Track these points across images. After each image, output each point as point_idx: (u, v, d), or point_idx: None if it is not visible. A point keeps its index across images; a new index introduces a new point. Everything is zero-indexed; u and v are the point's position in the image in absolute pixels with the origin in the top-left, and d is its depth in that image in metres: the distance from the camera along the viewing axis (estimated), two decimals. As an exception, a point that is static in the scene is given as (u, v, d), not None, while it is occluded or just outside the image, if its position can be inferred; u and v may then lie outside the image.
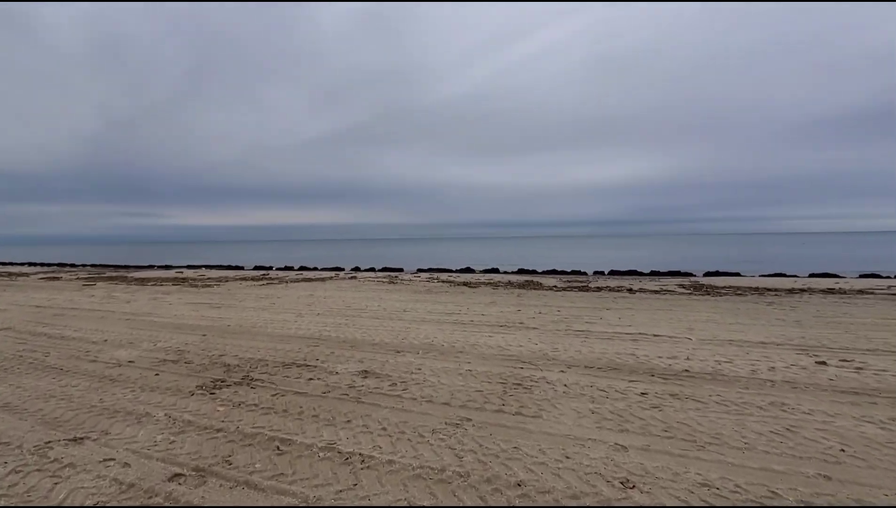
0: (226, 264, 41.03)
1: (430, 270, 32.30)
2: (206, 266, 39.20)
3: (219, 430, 4.35)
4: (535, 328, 9.22)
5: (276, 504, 3.12)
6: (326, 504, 3.11)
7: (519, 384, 5.59)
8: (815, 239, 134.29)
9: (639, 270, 27.69)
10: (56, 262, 46.43)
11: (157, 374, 6.32)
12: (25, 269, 35.41)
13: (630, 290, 16.11)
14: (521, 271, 29.80)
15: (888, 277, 21.09)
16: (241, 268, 36.43)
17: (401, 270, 32.64)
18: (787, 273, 24.29)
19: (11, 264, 45.22)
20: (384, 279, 21.67)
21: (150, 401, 5.23)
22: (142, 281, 22.26)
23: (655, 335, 8.36)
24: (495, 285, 18.64)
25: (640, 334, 8.53)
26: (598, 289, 16.56)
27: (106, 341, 8.61)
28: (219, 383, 5.83)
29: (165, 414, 4.79)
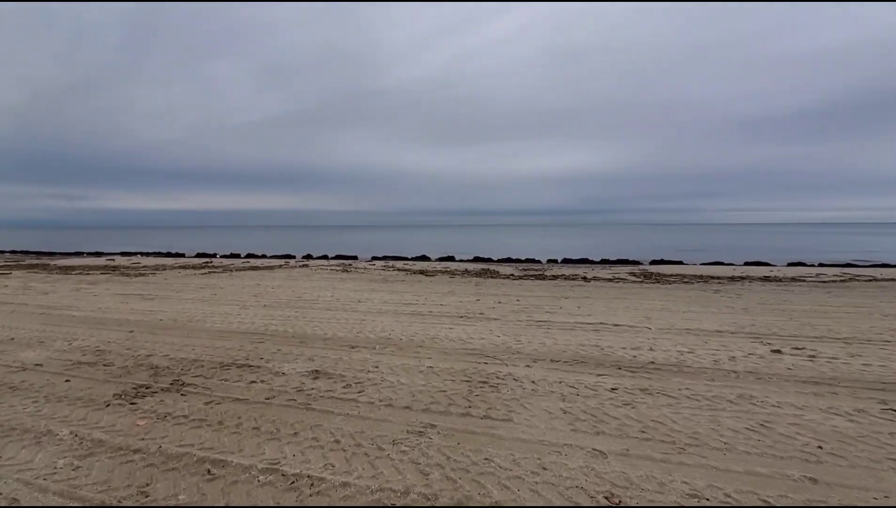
0: (165, 250, 38.24)
1: (384, 257, 31.53)
2: (143, 253, 36.35)
3: (136, 451, 3.64)
4: (496, 319, 8.89)
5: (273, 505, 2.53)
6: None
7: (485, 383, 5.20)
8: (747, 229, 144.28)
9: (590, 258, 28.31)
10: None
11: (67, 380, 5.41)
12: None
13: (584, 278, 16.23)
14: (476, 260, 29.68)
15: (811, 265, 22.67)
16: (182, 256, 34.03)
17: (355, 257, 31.66)
18: (725, 261, 25.60)
19: None
20: (337, 268, 20.76)
21: (54, 415, 4.40)
22: (66, 270, 20.10)
23: (616, 325, 8.25)
24: (452, 273, 18.28)
25: (600, 323, 8.39)
26: (554, 277, 16.58)
27: (12, 339, 7.45)
28: (142, 390, 5.03)
29: (71, 432, 4.01)
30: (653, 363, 5.94)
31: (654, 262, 25.94)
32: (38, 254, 36.87)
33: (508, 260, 28.47)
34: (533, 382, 5.21)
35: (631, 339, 7.22)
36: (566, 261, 27.81)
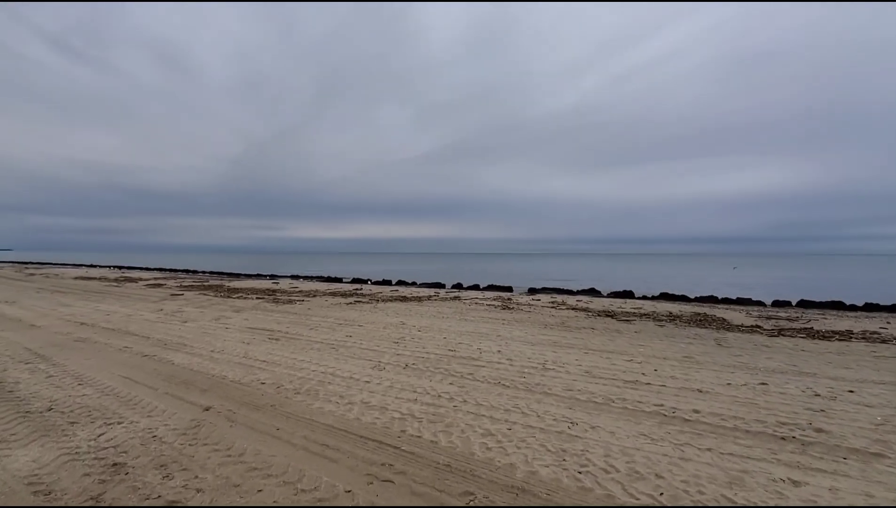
0: (327, 275, 39.82)
1: (544, 290, 27.07)
2: (307, 277, 38.22)
3: None
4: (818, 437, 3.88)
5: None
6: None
7: None
8: None
9: (844, 301, 19.69)
10: (183, 268, 49.48)
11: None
12: (144, 275, 37.13)
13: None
14: (665, 296, 23.28)
15: None
16: (340, 280, 34.53)
17: (510, 289, 27.87)
18: None
19: (147, 269, 49.07)
20: (495, 302, 17.08)
21: None
22: (231, 292, 20.36)
23: None
24: (650, 317, 13.02)
25: None
26: (830, 336, 10.18)
27: (50, 409, 5.13)
28: None
29: None
30: None
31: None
32: (229, 275, 41.65)
33: (726, 300, 21.55)
34: None
35: None
36: (804, 304, 19.77)
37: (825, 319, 13.39)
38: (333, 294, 19.73)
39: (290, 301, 16.63)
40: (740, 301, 21.78)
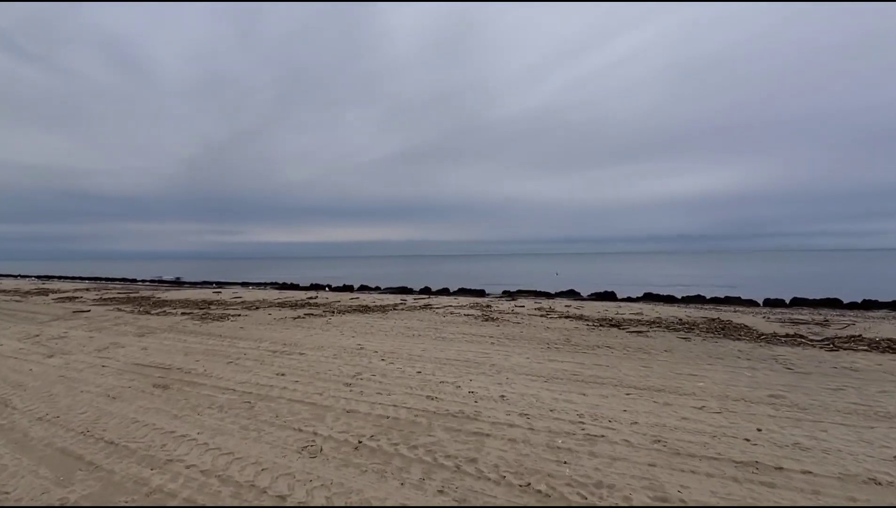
0: (282, 281, 35.84)
1: (520, 293, 24.56)
2: (259, 284, 34.18)
3: None
4: None
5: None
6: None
7: None
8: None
9: (840, 298, 18.20)
10: (121, 277, 43.98)
11: None
12: (66, 285, 32.04)
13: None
14: (650, 297, 21.25)
15: None
16: (296, 287, 30.80)
17: (483, 293, 25.19)
18: None
19: (78, 278, 43.26)
20: (473, 311, 14.25)
21: None
22: (157, 305, 16.58)
23: None
24: (661, 326, 10.59)
25: None
26: (856, 344, 8.00)
27: None
28: None
29: None
30: None
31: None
32: (170, 284, 36.90)
33: (715, 300, 19.74)
34: None
35: None
36: (797, 302, 18.15)
37: (853, 322, 11.38)
38: (282, 305, 16.33)
39: (223, 317, 13.19)
40: (729, 300, 20.03)
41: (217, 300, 18.53)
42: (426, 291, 26.69)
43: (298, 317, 12.95)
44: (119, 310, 15.36)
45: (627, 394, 5.47)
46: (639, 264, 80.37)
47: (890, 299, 17.28)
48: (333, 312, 14.08)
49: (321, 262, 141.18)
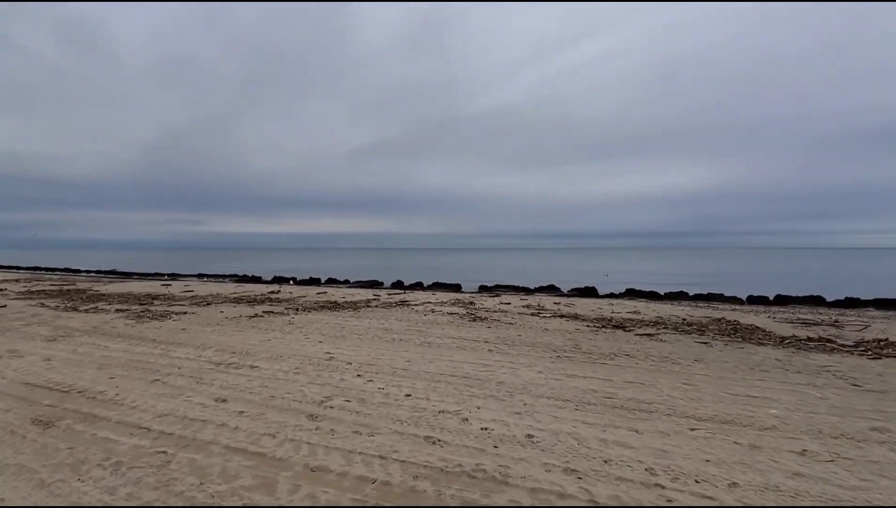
0: (243, 273, 33.13)
1: (498, 288, 23.25)
2: (218, 276, 31.45)
3: None
4: None
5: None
6: None
7: None
8: (871, 255, 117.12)
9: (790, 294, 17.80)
10: (65, 267, 39.84)
11: None
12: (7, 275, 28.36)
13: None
14: (633, 293, 20.33)
15: None
16: (258, 279, 28.36)
17: (459, 287, 23.72)
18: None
19: (15, 268, 38.88)
20: (456, 309, 12.70)
21: None
22: (93, 299, 14.17)
23: None
24: (668, 327, 9.42)
25: None
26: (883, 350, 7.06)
27: None
28: None
29: None
30: None
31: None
32: (120, 275, 33.50)
33: (698, 297, 19.05)
34: None
35: None
36: (781, 300, 17.62)
37: (867, 325, 10.58)
38: (238, 301, 14.25)
39: (165, 315, 11.10)
40: (713, 296, 19.38)
41: (163, 295, 16.19)
42: (399, 285, 24.98)
43: (256, 316, 11.02)
44: (42, 305, 12.91)
45: (692, 430, 4.07)
46: (610, 259, 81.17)
47: (871, 297, 16.98)
48: (297, 309, 12.20)
49: (288, 253, 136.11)
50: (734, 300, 18.35)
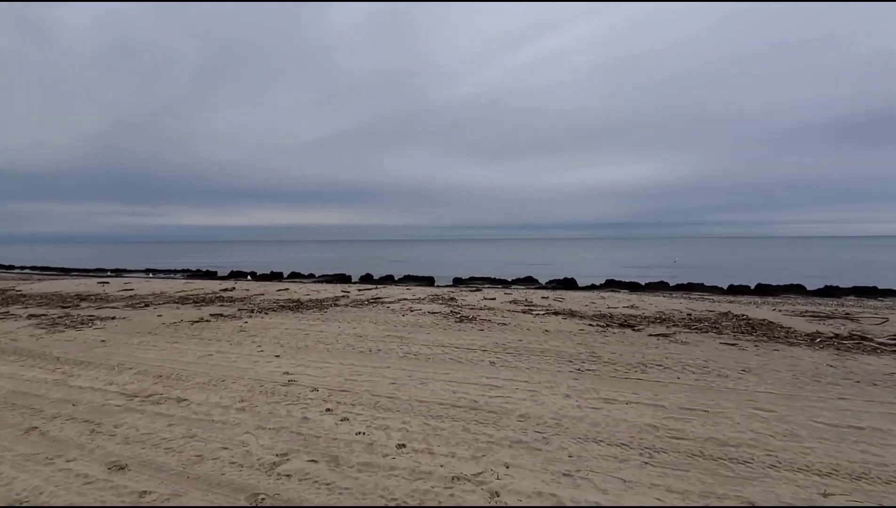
0: (196, 268, 30.27)
1: (473, 280, 21.91)
2: (168, 271, 28.54)
3: None
4: None
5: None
6: None
7: None
8: (812, 243, 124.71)
9: (780, 283, 17.47)
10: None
11: None
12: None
13: None
14: (613, 284, 19.47)
15: None
16: (213, 275, 25.78)
17: (432, 281, 22.21)
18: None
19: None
20: (437, 307, 11.17)
21: None
22: (8, 302, 11.74)
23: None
24: (679, 325, 8.31)
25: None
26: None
27: None
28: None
29: None
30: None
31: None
32: (55, 271, 29.85)
33: (679, 287, 18.38)
34: None
35: None
36: (761, 289, 17.15)
37: (887, 319, 9.87)
38: (183, 301, 12.14)
39: (87, 321, 9.00)
40: (692, 286, 18.77)
41: (95, 295, 13.79)
42: (368, 278, 23.21)
43: (200, 320, 9.09)
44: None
45: (825, 495, 2.75)
46: (578, 249, 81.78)
47: (851, 285, 16.77)
48: (253, 310, 10.33)
49: (249, 246, 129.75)
50: (715, 290, 17.78)
